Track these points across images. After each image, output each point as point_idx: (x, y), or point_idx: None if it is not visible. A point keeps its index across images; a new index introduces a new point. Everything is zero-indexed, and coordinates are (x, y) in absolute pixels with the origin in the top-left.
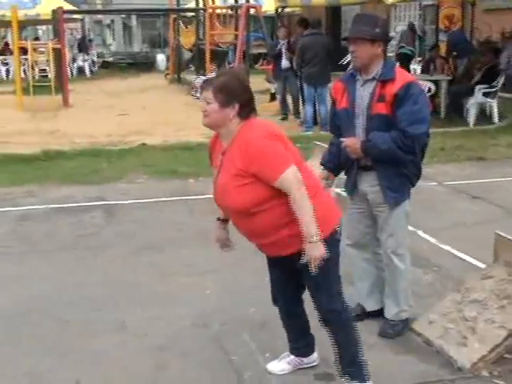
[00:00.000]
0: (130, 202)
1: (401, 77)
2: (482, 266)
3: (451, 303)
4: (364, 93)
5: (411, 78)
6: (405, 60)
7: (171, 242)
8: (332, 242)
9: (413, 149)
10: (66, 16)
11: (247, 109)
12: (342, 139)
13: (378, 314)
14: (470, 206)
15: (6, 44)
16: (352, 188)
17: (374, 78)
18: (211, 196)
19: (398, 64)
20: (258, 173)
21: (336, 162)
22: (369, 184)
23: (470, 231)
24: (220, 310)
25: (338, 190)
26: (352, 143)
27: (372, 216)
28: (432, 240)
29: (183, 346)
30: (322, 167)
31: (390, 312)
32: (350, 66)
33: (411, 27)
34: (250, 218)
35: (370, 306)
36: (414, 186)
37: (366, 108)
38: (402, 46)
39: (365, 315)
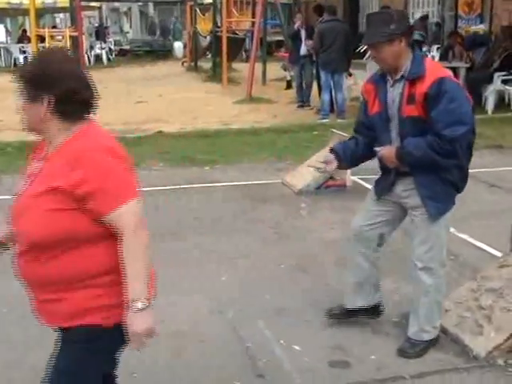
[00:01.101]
0: (147, 189)
1: (431, 72)
2: (499, 254)
3: (467, 292)
4: (394, 94)
5: (443, 72)
6: (416, 45)
7: (188, 229)
8: (112, 336)
9: (453, 153)
10: (83, 4)
11: (71, 106)
12: (376, 149)
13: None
14: (487, 194)
15: (24, 32)
16: (387, 190)
17: (402, 77)
18: (228, 184)
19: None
20: (91, 195)
21: (347, 154)
22: (405, 188)
23: (488, 220)
24: (236, 297)
25: (355, 178)
26: (387, 152)
27: (394, 218)
28: (449, 229)
29: (199, 332)
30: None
31: (411, 329)
32: (367, 54)
33: (422, 18)
34: (45, 258)
35: (353, 301)
36: (460, 192)
37: (397, 110)
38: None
39: (344, 316)
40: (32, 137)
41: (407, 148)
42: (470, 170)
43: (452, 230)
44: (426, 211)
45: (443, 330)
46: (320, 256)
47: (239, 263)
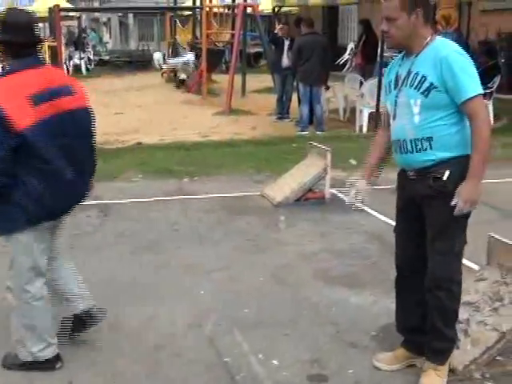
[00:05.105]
0: (125, 201)
1: None
2: (476, 267)
3: None
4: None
5: None
6: None
7: (167, 241)
8: None
9: None
10: (62, 14)
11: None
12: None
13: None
14: None
15: None
16: None
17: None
18: (207, 196)
19: None
20: None
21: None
22: None
23: None
24: (214, 310)
25: (334, 190)
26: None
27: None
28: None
29: (177, 346)
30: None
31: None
32: (346, 67)
33: None
34: None
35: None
36: (50, 215)
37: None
38: None
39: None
40: None
41: None
42: None
43: None
44: None
45: None
46: (298, 268)
47: (217, 276)
